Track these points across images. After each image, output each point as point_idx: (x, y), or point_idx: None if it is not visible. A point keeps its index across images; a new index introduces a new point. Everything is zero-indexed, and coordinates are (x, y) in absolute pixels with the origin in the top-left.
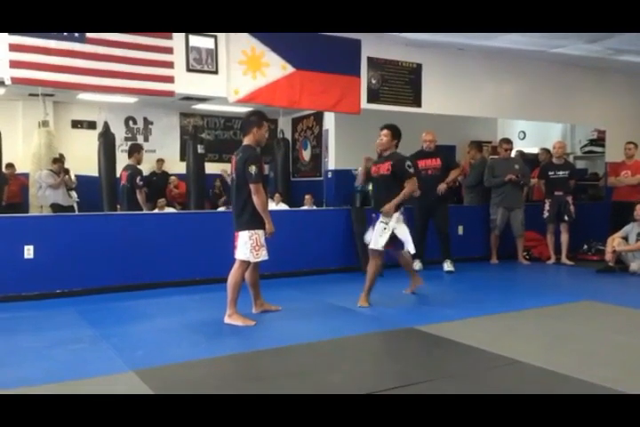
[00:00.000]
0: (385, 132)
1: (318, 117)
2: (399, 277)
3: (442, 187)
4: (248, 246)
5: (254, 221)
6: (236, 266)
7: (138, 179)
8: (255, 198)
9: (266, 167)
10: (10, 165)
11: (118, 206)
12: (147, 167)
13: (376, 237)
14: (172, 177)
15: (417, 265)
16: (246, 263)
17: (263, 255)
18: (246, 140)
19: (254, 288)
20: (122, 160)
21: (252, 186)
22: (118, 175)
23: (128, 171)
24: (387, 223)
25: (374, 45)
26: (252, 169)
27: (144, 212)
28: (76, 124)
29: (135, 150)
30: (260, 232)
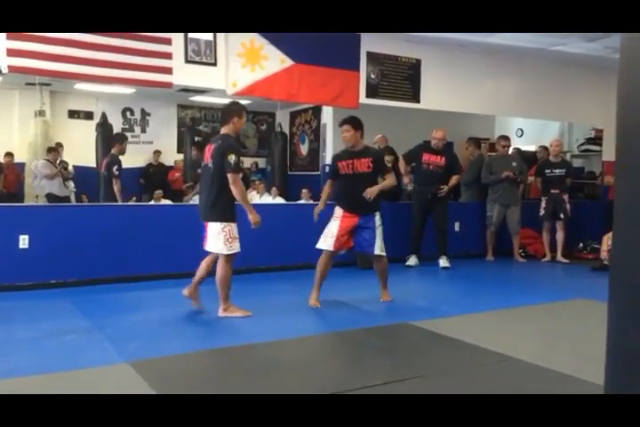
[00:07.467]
0: (345, 127)
1: (316, 112)
2: (393, 273)
3: (444, 191)
4: (221, 239)
5: (228, 213)
6: (220, 262)
7: (115, 168)
8: (234, 188)
9: (263, 161)
10: (8, 154)
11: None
12: (143, 159)
13: (379, 241)
14: (178, 160)
15: (413, 260)
16: (229, 256)
17: (236, 248)
18: (225, 129)
19: (202, 276)
20: None
21: (230, 175)
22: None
23: (107, 159)
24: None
25: (374, 40)
26: (232, 158)
27: (141, 203)
28: (73, 114)
29: (118, 140)
30: (233, 225)
